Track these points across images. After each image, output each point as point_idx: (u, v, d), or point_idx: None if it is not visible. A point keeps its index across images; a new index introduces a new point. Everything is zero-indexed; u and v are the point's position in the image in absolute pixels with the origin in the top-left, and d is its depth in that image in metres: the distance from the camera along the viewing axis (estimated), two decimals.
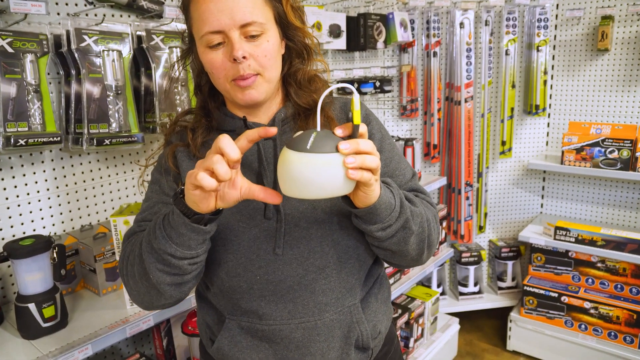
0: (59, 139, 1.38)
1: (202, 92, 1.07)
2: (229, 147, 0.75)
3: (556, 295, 2.69)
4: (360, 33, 2.36)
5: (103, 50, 1.47)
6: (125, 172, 1.70)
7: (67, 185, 1.56)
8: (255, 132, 0.80)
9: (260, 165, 0.99)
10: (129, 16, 1.66)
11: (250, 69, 0.91)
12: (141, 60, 1.61)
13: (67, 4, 1.51)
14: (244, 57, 0.90)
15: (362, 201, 0.83)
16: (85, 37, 1.45)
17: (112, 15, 1.63)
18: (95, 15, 1.58)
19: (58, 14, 1.50)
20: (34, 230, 1.50)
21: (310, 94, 1.03)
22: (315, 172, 0.74)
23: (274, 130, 0.80)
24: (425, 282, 2.99)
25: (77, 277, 1.54)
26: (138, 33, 1.59)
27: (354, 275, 1.02)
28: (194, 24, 0.94)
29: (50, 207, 1.53)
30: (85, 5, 1.55)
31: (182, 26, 1.65)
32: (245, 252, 0.97)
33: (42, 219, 1.51)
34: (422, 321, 2.55)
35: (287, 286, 0.97)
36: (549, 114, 2.98)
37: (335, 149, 0.75)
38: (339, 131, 0.78)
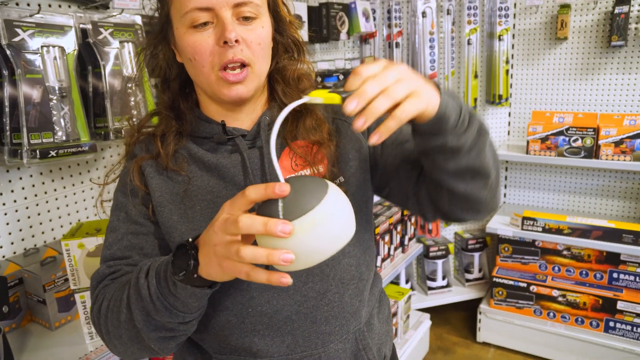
0: None
1: (170, 89, 0.91)
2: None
3: (525, 285, 2.69)
4: (322, 23, 2.23)
5: (42, 46, 1.27)
6: (74, 185, 1.49)
7: (4, 204, 1.34)
8: (261, 190, 0.62)
9: (245, 179, 0.85)
10: (70, 6, 1.45)
11: (240, 54, 0.77)
12: (87, 58, 1.40)
13: None
14: (236, 41, 0.76)
15: (426, 108, 0.65)
16: (19, 30, 1.24)
17: (49, 5, 1.41)
18: (29, 4, 1.36)
19: None
20: None
21: (299, 94, 0.90)
22: (311, 238, 0.59)
23: (286, 189, 0.61)
24: (393, 279, 2.92)
25: (23, 310, 1.33)
26: (82, 26, 1.38)
27: (357, 296, 0.90)
28: (174, 1, 0.79)
29: None
30: None
31: (131, 17, 1.48)
32: (233, 281, 0.82)
33: None
34: (395, 321, 2.47)
35: (284, 317, 0.84)
36: (510, 103, 2.97)
37: (318, 200, 0.60)
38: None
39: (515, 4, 2.80)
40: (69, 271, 1.21)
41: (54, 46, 1.29)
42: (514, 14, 2.82)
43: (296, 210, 0.59)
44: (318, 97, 0.63)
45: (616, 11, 2.46)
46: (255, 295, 0.83)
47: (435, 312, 3.03)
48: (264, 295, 0.83)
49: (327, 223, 0.59)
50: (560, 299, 2.62)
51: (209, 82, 0.81)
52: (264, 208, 0.61)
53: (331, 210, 0.60)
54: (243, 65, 0.79)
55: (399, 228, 2.51)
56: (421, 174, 0.85)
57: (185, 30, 0.78)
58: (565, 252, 2.67)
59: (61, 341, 1.26)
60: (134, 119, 1.42)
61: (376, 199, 2.29)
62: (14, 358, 1.17)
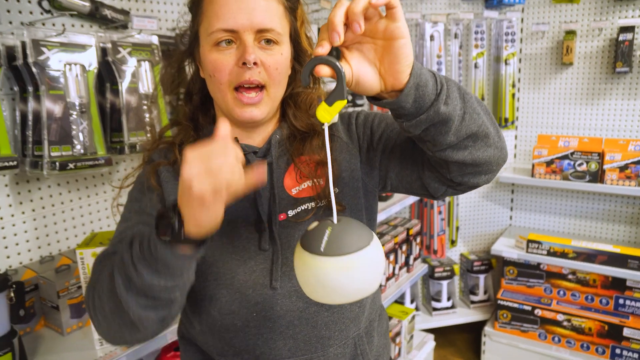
0: (15, 163, 1.24)
1: (192, 102, 0.97)
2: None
3: (529, 308, 2.69)
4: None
5: (65, 64, 1.34)
6: (89, 197, 1.55)
7: (23, 213, 1.40)
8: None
9: (254, 192, 0.90)
10: (91, 26, 1.53)
11: (258, 76, 0.83)
12: (106, 75, 1.47)
13: (20, 12, 1.37)
14: (254, 64, 0.81)
15: (398, 60, 0.68)
16: (44, 49, 1.32)
17: (73, 26, 1.49)
18: (54, 25, 1.44)
19: (10, 22, 1.36)
20: None
21: (308, 117, 0.96)
22: (340, 278, 0.64)
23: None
24: (398, 299, 2.93)
25: (37, 315, 1.38)
26: (102, 45, 1.45)
27: (356, 303, 0.95)
28: (203, 20, 0.85)
29: (5, 238, 1.37)
30: (42, 13, 1.41)
31: (148, 37, 1.55)
32: (240, 287, 0.87)
33: None
34: (399, 340, 2.48)
35: (286, 322, 0.89)
36: (516, 127, 3.01)
37: (361, 246, 0.65)
38: None
39: (522, 29, 2.87)
40: (82, 279, 1.25)
41: (75, 64, 1.36)
42: (521, 39, 2.88)
43: (337, 248, 0.63)
44: (332, 118, 0.69)
45: (620, 38, 2.52)
46: (260, 301, 0.87)
47: (440, 334, 3.03)
48: (268, 301, 0.88)
49: (357, 272, 0.64)
50: (565, 323, 2.62)
51: (225, 100, 0.86)
52: (309, 236, 0.65)
53: (365, 262, 0.65)
54: (259, 87, 0.85)
55: (404, 248, 2.54)
56: (419, 159, 0.88)
57: (209, 48, 0.84)
58: (570, 277, 2.68)
59: (72, 346, 1.30)
60: (151, 129, 1.48)
61: (381, 217, 2.30)
62: None
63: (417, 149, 0.88)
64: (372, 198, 1.00)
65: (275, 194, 0.90)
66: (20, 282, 1.21)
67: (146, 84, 1.52)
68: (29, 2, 1.38)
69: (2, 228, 1.36)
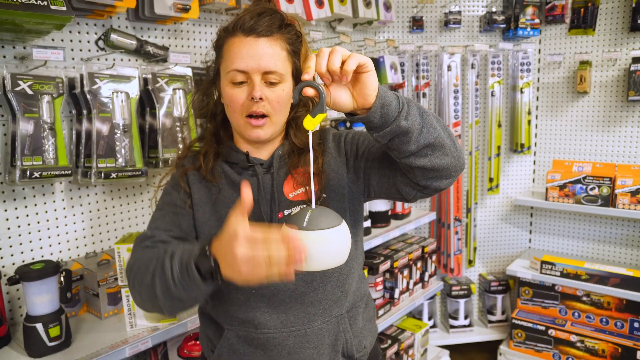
0: (69, 172, 1.51)
1: (216, 120, 1.21)
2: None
3: (543, 328, 2.76)
4: None
5: (113, 92, 1.62)
6: (129, 204, 1.82)
7: (74, 215, 1.68)
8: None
9: (258, 195, 1.12)
10: (137, 60, 1.82)
11: (263, 108, 1.06)
12: (146, 101, 1.75)
13: (81, 50, 1.67)
14: (260, 98, 1.04)
15: (366, 87, 0.88)
16: (97, 80, 1.60)
17: (121, 60, 1.78)
18: (106, 59, 1.73)
19: (72, 59, 1.65)
20: (42, 256, 1.61)
21: (306, 137, 1.17)
22: (318, 248, 0.83)
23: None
24: (416, 315, 3.06)
25: (81, 301, 1.64)
26: (144, 76, 1.73)
27: (339, 287, 1.14)
28: (223, 61, 1.09)
29: (59, 235, 1.64)
30: (97, 51, 1.71)
31: (183, 70, 1.82)
32: None
33: (51, 246, 1.63)
34: (411, 352, 2.61)
35: (279, 299, 1.10)
36: (534, 152, 3.12)
37: (332, 225, 0.85)
38: None
39: (539, 60, 3.01)
40: (118, 270, 1.50)
41: (121, 92, 1.64)
42: (538, 69, 3.02)
43: (315, 225, 0.84)
44: (315, 126, 0.90)
45: (632, 68, 2.62)
46: None
47: (458, 351, 3.12)
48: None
49: (327, 244, 0.84)
50: (578, 344, 2.67)
51: (238, 124, 1.10)
52: (294, 217, 0.86)
53: (335, 238, 0.85)
54: (264, 116, 1.07)
55: (418, 264, 2.68)
56: (393, 168, 1.07)
57: (227, 83, 1.08)
58: (584, 298, 2.74)
59: (108, 328, 1.54)
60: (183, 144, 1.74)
61: (396, 234, 2.46)
62: (72, 336, 1.46)
63: (391, 160, 1.07)
64: (357, 203, 1.20)
65: (275, 197, 1.12)
66: (68, 270, 1.47)
67: (180, 109, 1.79)
68: (88, 42, 1.68)
69: (57, 227, 1.64)
